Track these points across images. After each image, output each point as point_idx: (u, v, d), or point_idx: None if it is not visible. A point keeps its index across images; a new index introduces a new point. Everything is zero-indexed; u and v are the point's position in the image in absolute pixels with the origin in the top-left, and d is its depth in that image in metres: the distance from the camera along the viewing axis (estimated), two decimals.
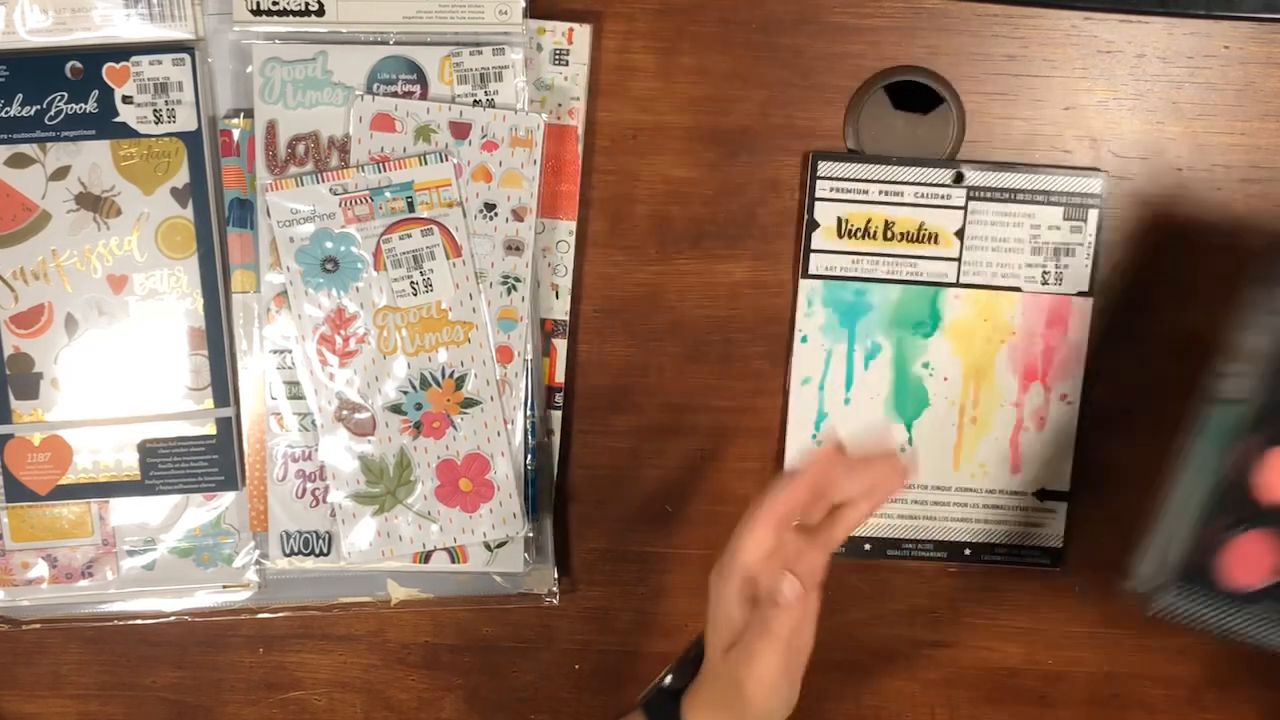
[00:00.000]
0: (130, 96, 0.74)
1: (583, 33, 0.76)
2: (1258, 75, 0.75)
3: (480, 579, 0.79)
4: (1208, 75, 0.76)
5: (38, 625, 0.80)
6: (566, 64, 0.76)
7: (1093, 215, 0.73)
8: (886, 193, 0.73)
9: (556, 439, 0.79)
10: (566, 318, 0.78)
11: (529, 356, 0.76)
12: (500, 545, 0.78)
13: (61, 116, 0.74)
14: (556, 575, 0.80)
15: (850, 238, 0.73)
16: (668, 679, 0.68)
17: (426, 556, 0.78)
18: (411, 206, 0.75)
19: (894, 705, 0.83)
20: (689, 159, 0.77)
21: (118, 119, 0.74)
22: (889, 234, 0.73)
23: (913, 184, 0.73)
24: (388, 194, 0.74)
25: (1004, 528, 0.76)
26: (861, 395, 0.75)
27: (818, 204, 0.73)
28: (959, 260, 0.74)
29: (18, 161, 0.75)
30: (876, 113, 0.77)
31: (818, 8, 0.76)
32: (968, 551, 0.76)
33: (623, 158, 0.78)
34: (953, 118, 0.76)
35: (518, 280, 0.76)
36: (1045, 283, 0.74)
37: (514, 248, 0.76)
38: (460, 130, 0.74)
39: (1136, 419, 0.78)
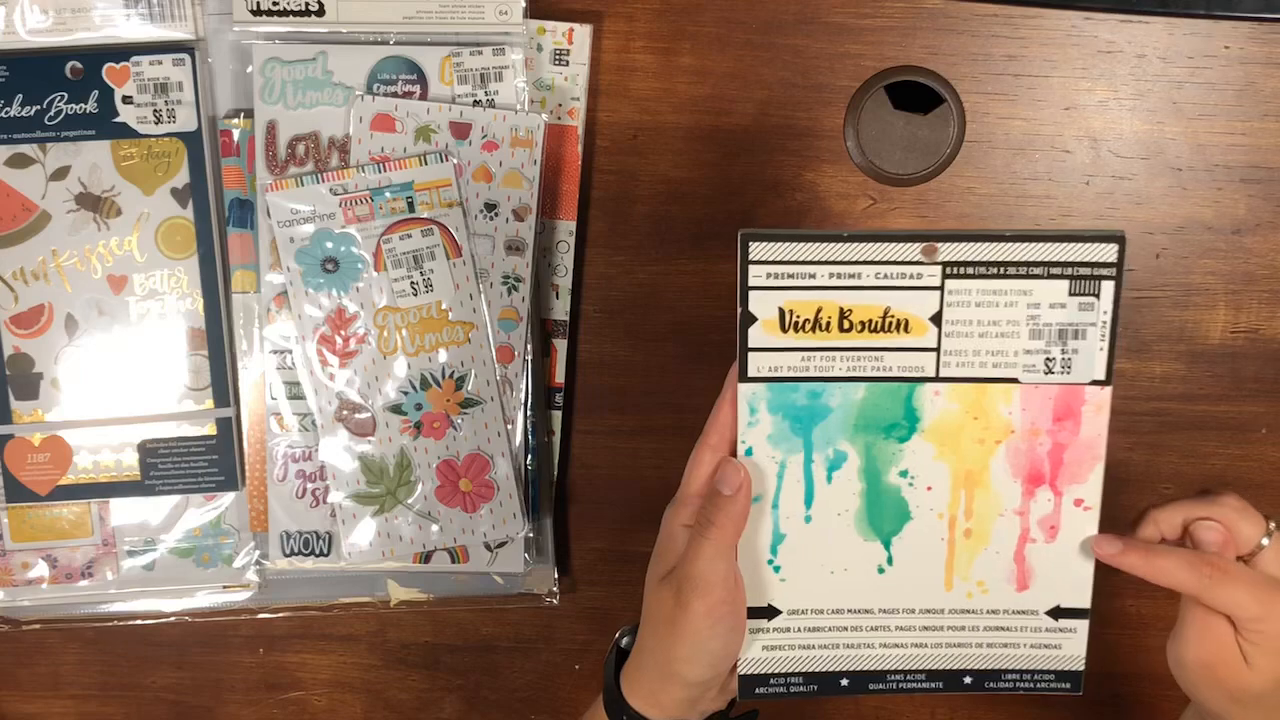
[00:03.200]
0: (130, 96, 0.74)
1: (583, 33, 0.76)
2: (1258, 75, 0.75)
3: (480, 579, 0.79)
4: (1208, 75, 0.76)
5: (38, 625, 0.80)
6: (566, 64, 0.76)
7: (1107, 289, 0.60)
8: (838, 275, 0.60)
9: (556, 439, 0.79)
10: (566, 318, 0.78)
11: (529, 356, 0.76)
12: (500, 545, 0.78)
13: (61, 116, 0.74)
14: (556, 575, 0.80)
15: (797, 331, 0.60)
16: (624, 640, 0.66)
17: (427, 557, 0.78)
18: (412, 207, 0.75)
19: (894, 705, 0.83)
20: (689, 159, 0.77)
21: (118, 119, 0.74)
22: (845, 325, 0.61)
23: (872, 263, 0.60)
24: (388, 194, 0.74)
25: (1010, 651, 0.64)
26: (825, 512, 0.62)
27: (752, 294, 0.60)
28: (938, 350, 0.61)
29: (18, 161, 0.75)
30: (876, 113, 0.77)
31: (818, 8, 0.76)
32: (968, 680, 0.65)
33: (623, 158, 0.78)
34: (953, 118, 0.76)
35: (518, 280, 0.76)
36: (1050, 371, 0.61)
37: (514, 248, 0.76)
38: (460, 130, 0.74)
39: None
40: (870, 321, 0.60)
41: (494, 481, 0.77)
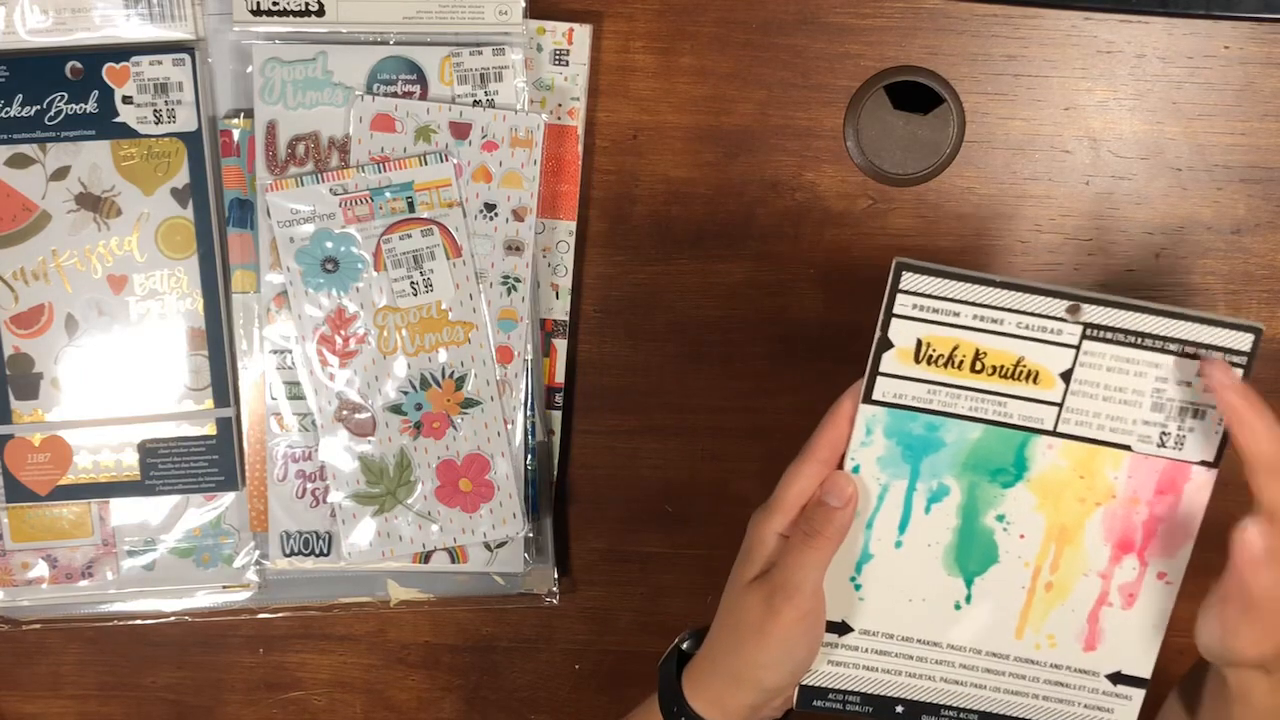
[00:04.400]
0: (130, 97, 0.74)
1: (583, 33, 0.76)
2: (1258, 75, 0.75)
3: (480, 579, 0.79)
4: (1208, 75, 0.76)
5: (38, 625, 0.80)
6: (566, 64, 0.76)
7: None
8: (981, 317, 0.61)
9: (556, 439, 0.79)
10: (566, 318, 0.78)
11: (529, 356, 0.76)
12: (500, 545, 0.78)
13: (61, 116, 0.74)
14: (556, 575, 0.80)
15: (930, 364, 0.61)
16: (685, 643, 0.67)
17: (426, 556, 0.78)
18: (411, 207, 0.75)
19: None
20: (689, 159, 0.77)
21: (118, 119, 0.74)
22: (978, 366, 0.61)
23: (1016, 311, 0.60)
24: (388, 194, 0.74)
25: (1064, 707, 0.65)
26: (917, 540, 0.63)
27: (894, 321, 0.61)
28: (1060, 405, 0.62)
29: (18, 161, 0.75)
30: (876, 113, 0.77)
31: (818, 8, 0.76)
32: None
33: (623, 158, 0.78)
34: (953, 118, 0.76)
35: (518, 280, 0.76)
36: (1162, 445, 0.62)
37: (514, 248, 0.76)
38: (460, 130, 0.74)
39: None
40: (1002, 367, 0.61)
41: (494, 481, 0.77)
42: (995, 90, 0.76)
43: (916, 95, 0.76)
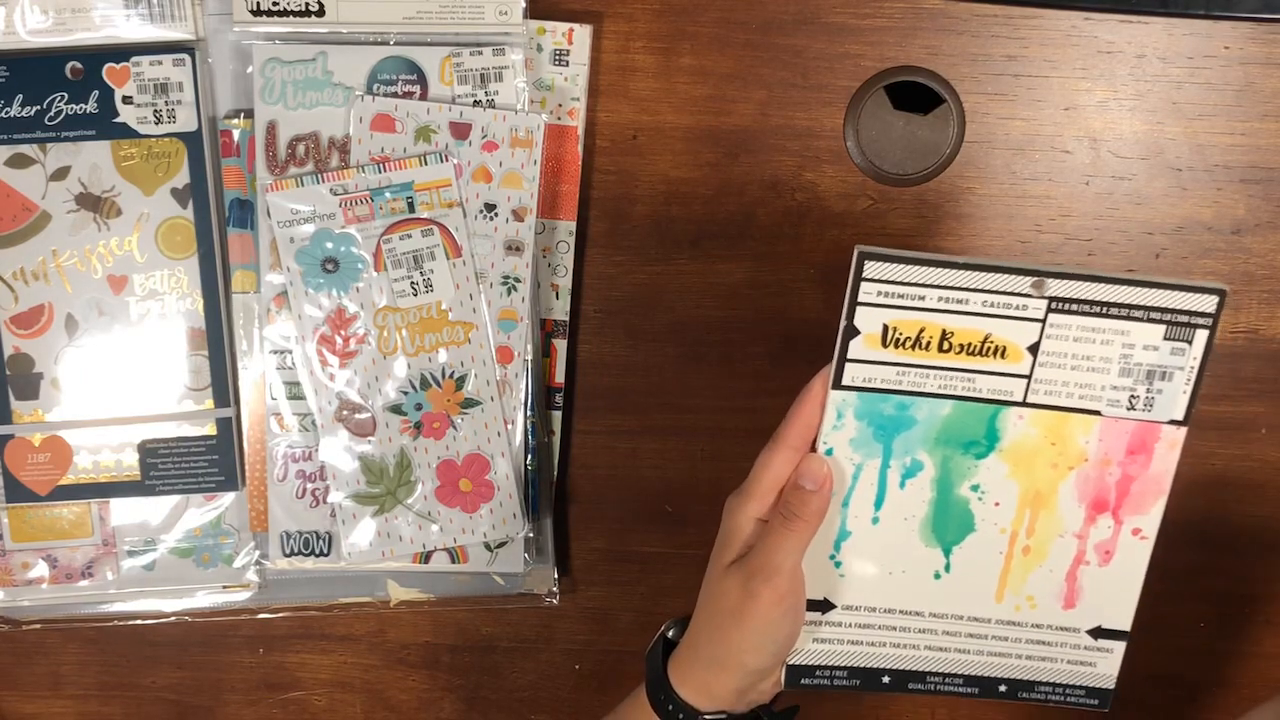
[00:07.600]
0: (130, 97, 0.74)
1: (583, 33, 0.76)
2: (1258, 75, 0.75)
3: (480, 579, 0.79)
4: (1208, 75, 0.76)
5: (38, 625, 0.80)
6: (566, 64, 0.76)
7: (1200, 336, 0.61)
8: (946, 299, 0.61)
9: (556, 439, 0.79)
10: (566, 318, 0.78)
11: (529, 356, 0.76)
12: (500, 545, 0.78)
13: (61, 117, 0.74)
14: (556, 575, 0.80)
15: (898, 347, 0.61)
16: (670, 632, 0.67)
17: (426, 557, 0.78)
18: (412, 207, 0.75)
19: (895, 705, 0.83)
20: (689, 159, 0.77)
21: (118, 119, 0.75)
22: (945, 345, 0.62)
23: (980, 291, 0.61)
24: (388, 194, 0.74)
25: (1048, 664, 0.66)
26: (893, 515, 0.64)
27: (859, 309, 0.61)
28: (1029, 377, 0.62)
29: (18, 162, 0.75)
30: (876, 113, 0.77)
31: (818, 8, 0.76)
32: (1003, 688, 0.67)
33: (623, 158, 0.78)
34: (953, 118, 0.76)
35: (518, 280, 0.76)
36: (1132, 408, 0.62)
37: (514, 248, 0.76)
38: (460, 131, 0.74)
39: None
40: (969, 345, 0.62)
41: (494, 481, 0.77)
42: (995, 90, 0.76)
43: (916, 95, 0.76)
